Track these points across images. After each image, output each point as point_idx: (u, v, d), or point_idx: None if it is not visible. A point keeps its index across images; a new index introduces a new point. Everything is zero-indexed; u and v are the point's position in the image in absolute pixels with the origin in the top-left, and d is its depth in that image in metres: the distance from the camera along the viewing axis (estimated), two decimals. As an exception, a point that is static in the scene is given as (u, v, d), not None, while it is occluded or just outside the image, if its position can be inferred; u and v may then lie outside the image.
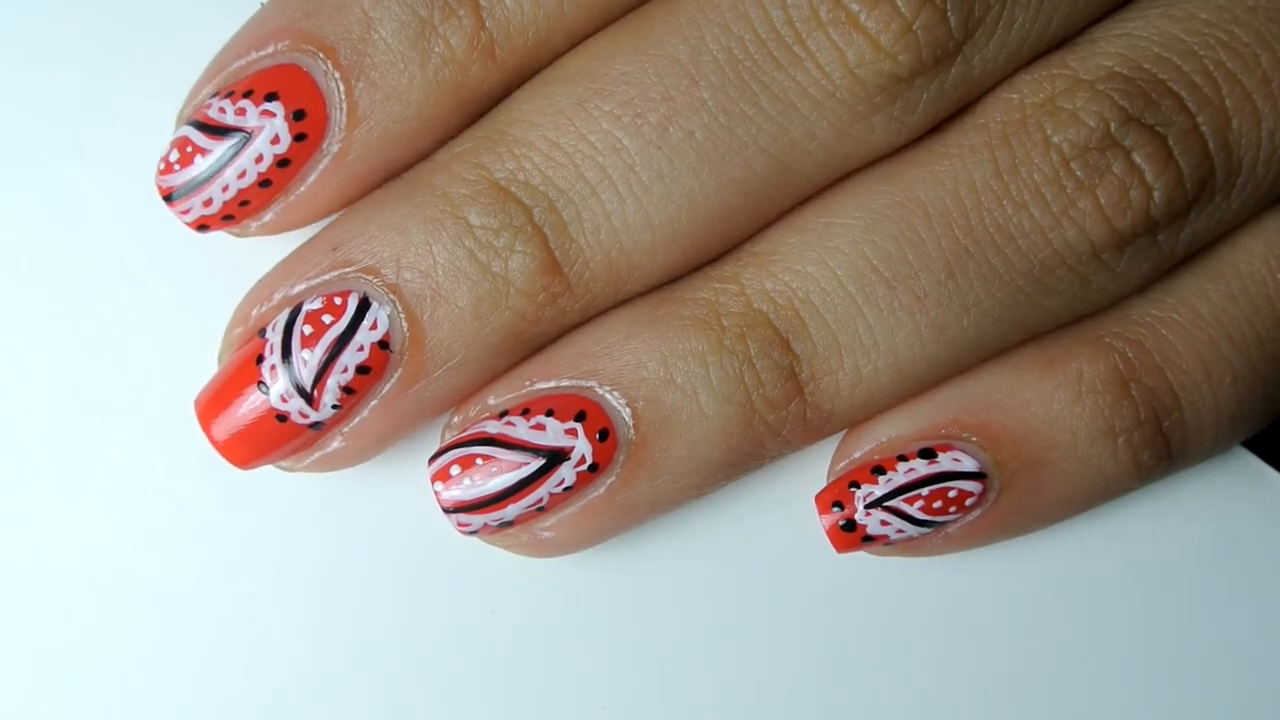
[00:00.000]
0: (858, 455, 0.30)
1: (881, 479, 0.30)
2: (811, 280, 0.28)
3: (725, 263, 0.29)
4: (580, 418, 0.28)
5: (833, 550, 0.30)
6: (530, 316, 0.28)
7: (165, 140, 0.29)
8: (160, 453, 0.31)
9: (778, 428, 0.29)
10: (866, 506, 0.30)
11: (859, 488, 0.30)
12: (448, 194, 0.28)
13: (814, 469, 0.31)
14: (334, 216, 0.29)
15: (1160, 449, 0.29)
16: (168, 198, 0.28)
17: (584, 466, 0.28)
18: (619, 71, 0.28)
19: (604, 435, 0.28)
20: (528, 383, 0.29)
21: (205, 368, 0.30)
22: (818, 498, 0.30)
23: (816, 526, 0.30)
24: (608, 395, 0.28)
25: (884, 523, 0.30)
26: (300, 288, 0.29)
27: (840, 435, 0.30)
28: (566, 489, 0.29)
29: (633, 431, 0.28)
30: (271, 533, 0.31)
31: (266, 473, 0.31)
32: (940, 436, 0.29)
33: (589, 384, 0.29)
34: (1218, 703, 0.32)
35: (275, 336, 0.28)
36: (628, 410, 0.28)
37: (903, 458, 0.29)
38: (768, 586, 0.32)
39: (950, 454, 0.29)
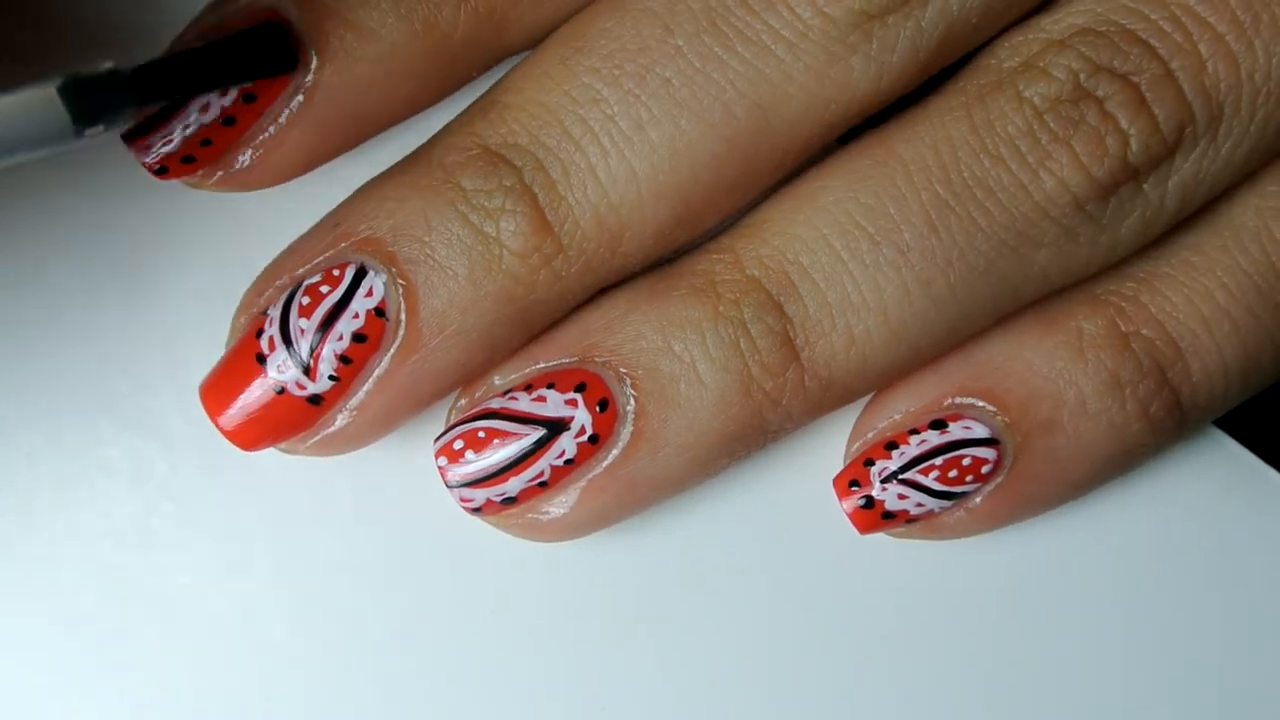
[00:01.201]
0: (870, 435, 0.30)
1: (895, 453, 0.30)
2: (799, 241, 0.29)
3: (722, 235, 0.29)
4: (580, 389, 0.29)
5: (855, 532, 0.30)
6: (524, 280, 0.28)
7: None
8: (160, 453, 0.31)
9: (776, 396, 0.29)
10: (882, 481, 0.30)
11: (874, 464, 0.30)
12: (443, 163, 0.28)
13: (815, 469, 0.31)
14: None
15: (1169, 400, 0.29)
16: (126, 137, 0.28)
17: (584, 437, 0.29)
18: (599, 28, 0.28)
19: (604, 405, 0.29)
20: (532, 363, 0.29)
21: (206, 367, 0.30)
22: (835, 481, 0.30)
23: (820, 525, 0.31)
24: (608, 367, 0.29)
25: (901, 496, 0.30)
26: (303, 270, 0.29)
27: (849, 425, 0.31)
28: (568, 461, 0.29)
29: (632, 402, 0.29)
30: (272, 533, 0.31)
31: (267, 473, 0.31)
32: (949, 407, 0.30)
33: (589, 357, 0.29)
34: (1218, 703, 0.32)
35: (275, 311, 0.28)
36: (628, 381, 0.29)
37: (914, 431, 0.30)
38: (773, 586, 0.32)
39: (960, 422, 0.30)
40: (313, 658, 0.31)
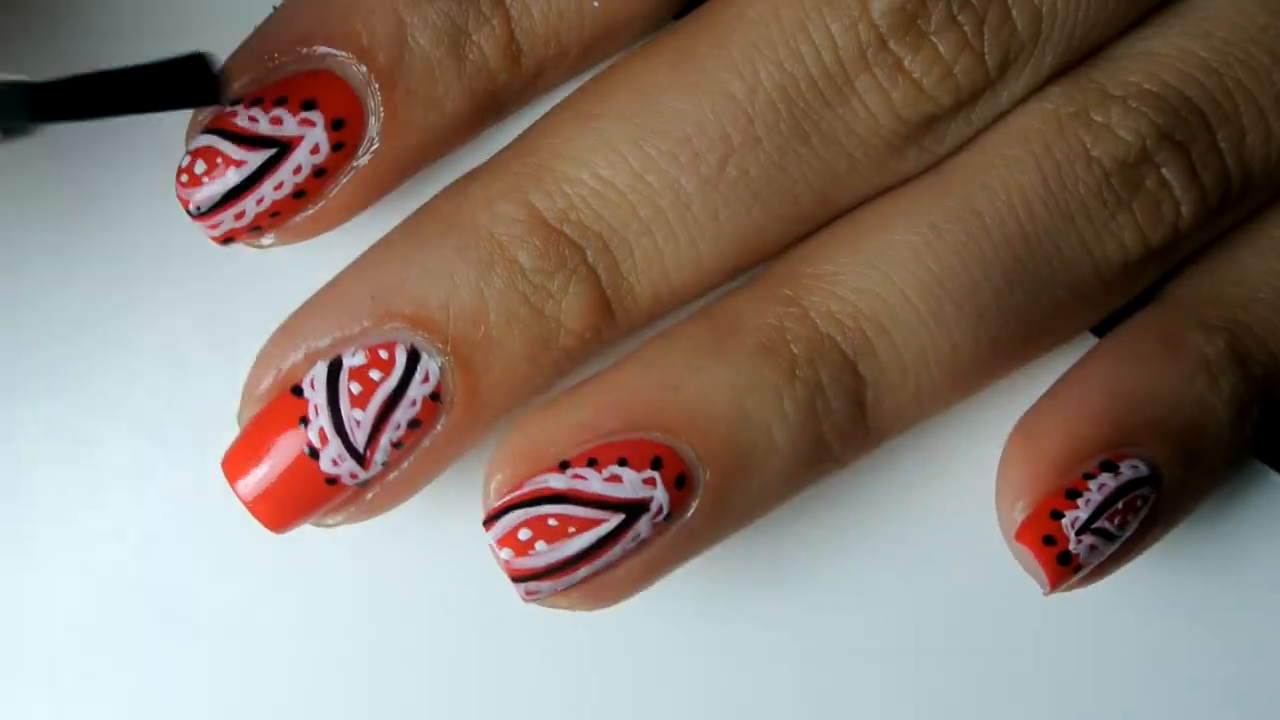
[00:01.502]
0: (1051, 482, 0.29)
1: (1080, 501, 0.28)
2: (878, 300, 0.28)
3: (780, 283, 0.28)
4: (656, 465, 0.27)
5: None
6: (576, 354, 0.28)
7: (172, 140, 0.28)
8: (160, 453, 0.31)
9: (840, 455, 0.28)
10: (1077, 533, 0.28)
11: (1062, 516, 0.29)
12: (493, 235, 0.27)
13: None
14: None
15: (1269, 415, 0.30)
16: (194, 211, 0.27)
17: (661, 517, 0.27)
18: (674, 109, 0.27)
19: (681, 482, 0.27)
20: (593, 433, 0.27)
21: (206, 367, 0.30)
22: (1019, 537, 0.29)
23: (820, 521, 0.31)
24: (680, 438, 0.27)
25: (1093, 547, 0.28)
26: (333, 339, 0.27)
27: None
28: (641, 542, 0.27)
29: (708, 473, 0.27)
30: (272, 533, 0.31)
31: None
32: (1110, 445, 0.29)
33: (657, 426, 0.27)
34: (1219, 704, 0.32)
35: (319, 397, 0.27)
36: (702, 451, 0.27)
37: (1089, 475, 0.28)
38: (772, 585, 0.32)
39: (1128, 462, 0.29)
40: (313, 658, 0.31)
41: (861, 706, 0.32)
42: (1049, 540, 0.28)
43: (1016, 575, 0.30)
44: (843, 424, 0.28)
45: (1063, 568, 0.28)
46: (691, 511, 0.27)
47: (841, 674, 0.32)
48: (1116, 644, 0.32)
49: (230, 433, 0.30)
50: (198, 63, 0.25)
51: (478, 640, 0.31)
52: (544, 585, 0.27)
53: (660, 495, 0.27)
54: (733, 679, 0.32)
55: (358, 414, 0.27)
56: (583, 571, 0.27)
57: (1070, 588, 0.29)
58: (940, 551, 0.32)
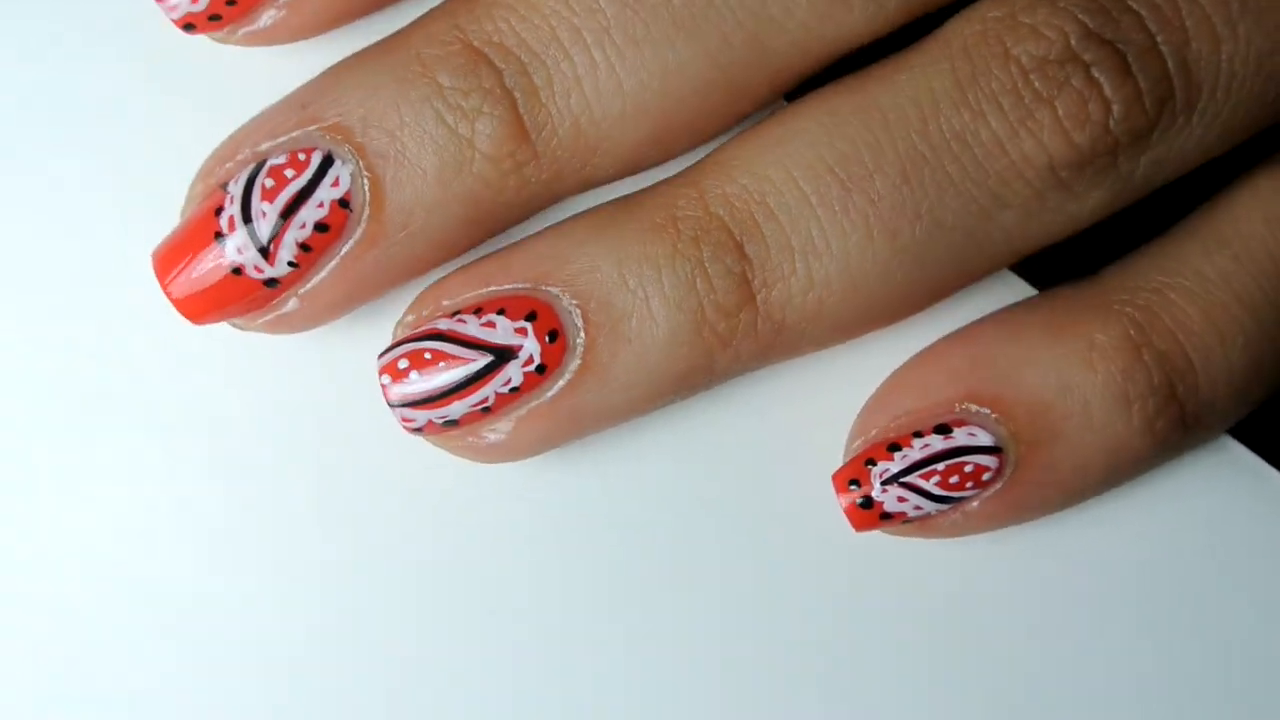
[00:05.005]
0: (873, 433, 0.30)
1: (898, 455, 0.30)
2: (768, 181, 0.28)
3: (689, 169, 0.29)
4: (531, 317, 0.28)
5: (850, 529, 0.30)
6: (494, 184, 0.28)
7: (169, 147, 0.29)
8: (160, 453, 0.31)
9: (728, 337, 0.29)
10: (883, 483, 0.30)
11: (875, 465, 0.30)
12: (421, 54, 0.28)
13: (813, 464, 0.31)
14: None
15: (1175, 415, 0.29)
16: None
17: (531, 367, 0.28)
18: None
19: (553, 336, 0.28)
20: (484, 284, 0.29)
21: (207, 366, 0.31)
22: (834, 477, 0.30)
23: (817, 517, 0.31)
24: (560, 297, 0.29)
25: (901, 499, 0.30)
26: (266, 145, 0.28)
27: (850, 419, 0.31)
28: (513, 389, 0.29)
29: (582, 334, 0.28)
30: (272, 533, 0.31)
31: (267, 472, 0.31)
32: (954, 412, 0.30)
33: (542, 285, 0.29)
34: (1220, 704, 0.32)
35: (236, 189, 0.28)
36: (579, 313, 0.28)
37: (918, 434, 0.30)
38: (769, 581, 0.32)
39: (966, 429, 0.29)
40: (313, 657, 0.31)
41: (861, 706, 0.32)
42: (854, 484, 0.30)
43: (1012, 576, 0.30)
44: (725, 303, 0.28)
45: (863, 511, 0.30)
46: (570, 371, 0.29)
47: (842, 674, 0.32)
48: (1117, 645, 0.32)
49: (231, 433, 0.30)
50: None
51: (478, 640, 0.31)
52: (418, 414, 0.29)
53: (530, 344, 0.28)
54: (733, 678, 0.32)
55: (265, 206, 0.28)
56: (456, 407, 0.29)
57: (899, 534, 0.30)
58: (939, 553, 0.32)
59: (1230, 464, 0.32)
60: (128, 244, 0.30)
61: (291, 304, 0.29)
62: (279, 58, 0.30)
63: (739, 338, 0.29)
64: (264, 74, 0.30)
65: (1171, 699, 0.32)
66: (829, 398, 0.31)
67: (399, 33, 0.29)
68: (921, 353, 0.31)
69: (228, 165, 0.29)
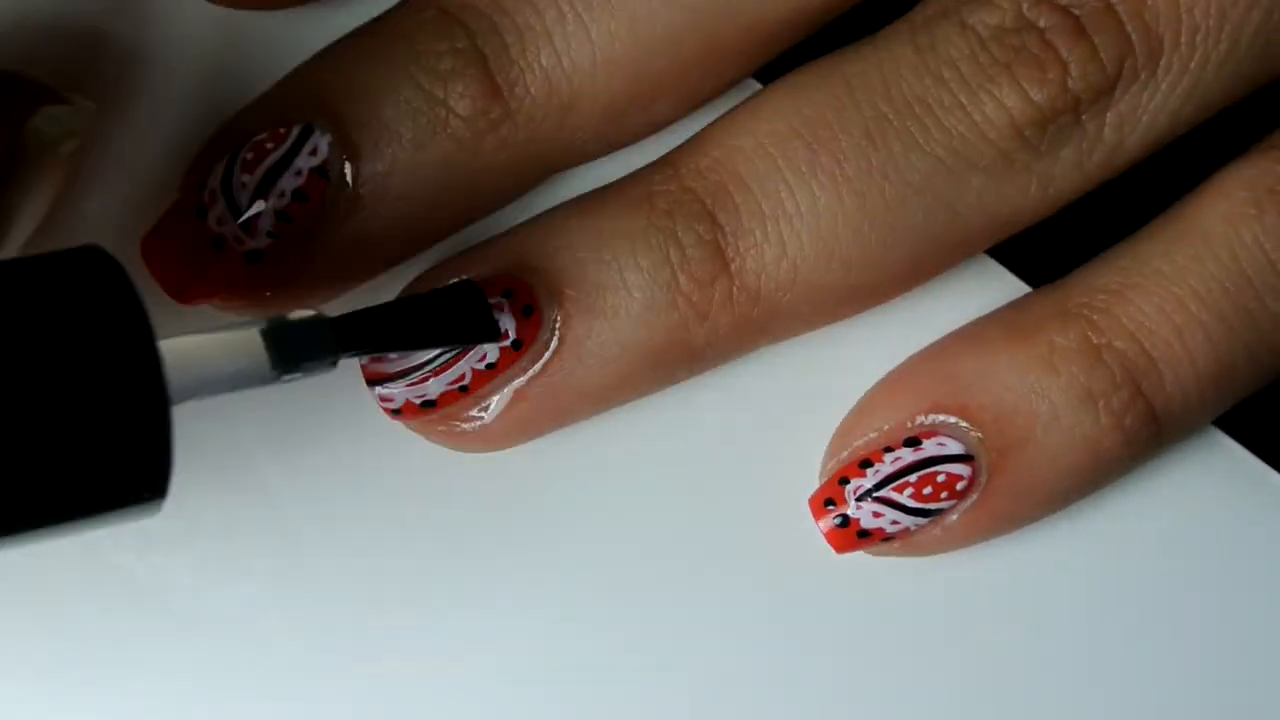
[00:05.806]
0: (845, 454, 0.30)
1: (870, 471, 0.30)
2: (738, 151, 0.29)
3: (666, 154, 0.30)
4: (507, 294, 0.29)
5: (833, 553, 0.30)
6: (469, 145, 0.28)
7: (163, 137, 0.29)
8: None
9: (703, 307, 0.29)
10: (857, 499, 0.30)
11: (849, 483, 0.30)
12: (401, 25, 0.29)
13: (815, 460, 0.31)
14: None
15: (1143, 411, 0.29)
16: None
17: (507, 342, 0.29)
18: None
19: (528, 311, 0.29)
20: (464, 270, 0.29)
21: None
22: (811, 500, 0.30)
23: (811, 531, 0.31)
24: (537, 273, 0.29)
25: (876, 514, 0.30)
26: (253, 126, 0.29)
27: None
28: (490, 366, 0.29)
29: (558, 309, 0.29)
30: (272, 533, 0.31)
31: (267, 473, 0.31)
32: (923, 424, 0.30)
33: (519, 264, 0.29)
34: (1219, 705, 0.32)
35: (219, 165, 0.28)
36: (555, 289, 0.29)
37: (889, 449, 0.30)
38: (765, 595, 0.32)
39: (935, 439, 0.29)
40: (312, 658, 0.31)
41: (862, 705, 0.32)
42: (829, 503, 0.30)
43: (1011, 577, 0.30)
44: (699, 273, 0.29)
45: (841, 530, 0.30)
46: (549, 349, 0.29)
47: (840, 673, 0.32)
48: (1116, 646, 0.32)
49: (228, 432, 0.30)
50: (475, 296, 0.28)
51: (479, 641, 0.31)
52: (396, 391, 0.29)
53: (505, 319, 0.28)
54: (731, 679, 0.32)
55: (245, 178, 0.28)
56: (433, 384, 0.29)
57: (883, 553, 0.30)
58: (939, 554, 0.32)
59: (1230, 464, 0.32)
60: (127, 246, 0.30)
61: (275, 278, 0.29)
62: (277, 57, 0.30)
63: (715, 308, 0.29)
64: (263, 75, 0.30)
65: (1172, 699, 0.32)
66: (828, 398, 0.31)
67: (385, 12, 0.29)
68: (889, 373, 0.31)
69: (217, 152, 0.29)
